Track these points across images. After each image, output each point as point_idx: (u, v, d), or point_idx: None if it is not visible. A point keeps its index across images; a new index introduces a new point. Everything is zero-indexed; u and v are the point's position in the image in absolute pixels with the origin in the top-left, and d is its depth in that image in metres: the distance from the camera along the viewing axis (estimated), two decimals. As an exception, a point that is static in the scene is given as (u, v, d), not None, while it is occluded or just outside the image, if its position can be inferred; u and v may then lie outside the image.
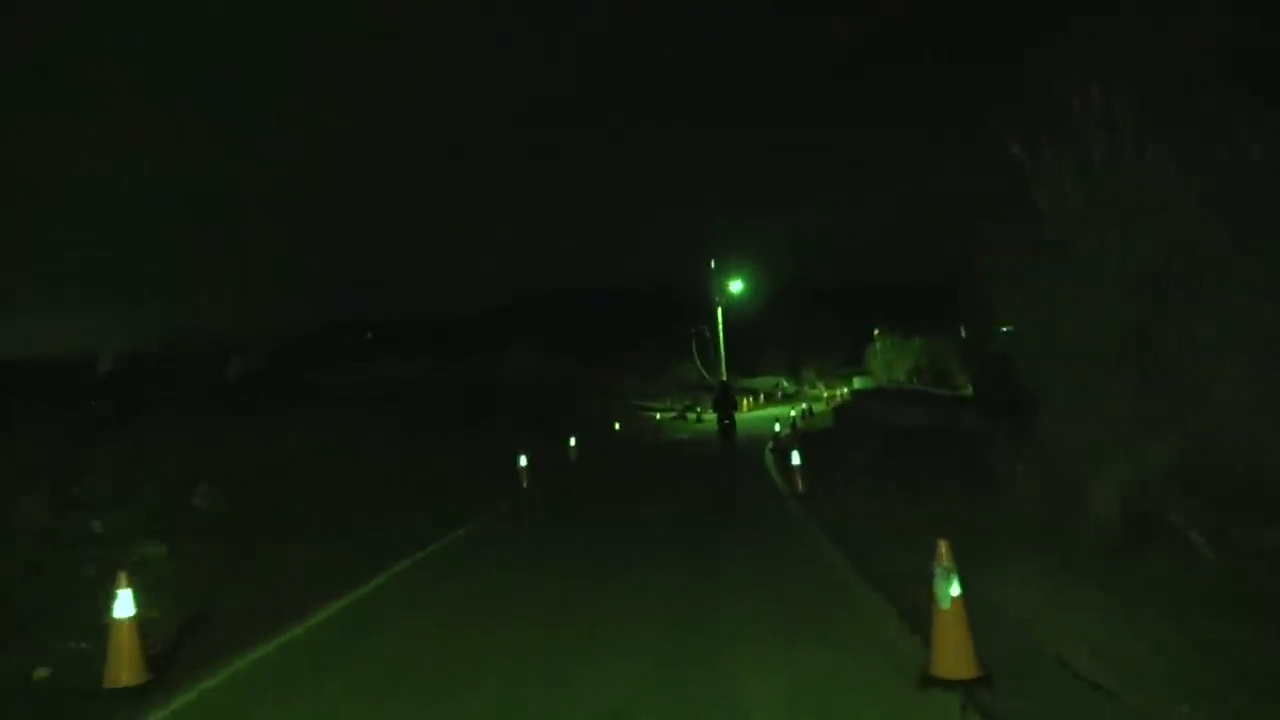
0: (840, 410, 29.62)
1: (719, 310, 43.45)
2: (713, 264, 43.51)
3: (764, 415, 39.32)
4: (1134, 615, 5.27)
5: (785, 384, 68.54)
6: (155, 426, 18.00)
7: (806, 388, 68.23)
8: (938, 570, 4.87)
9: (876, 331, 69.01)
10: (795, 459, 12.59)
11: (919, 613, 5.94)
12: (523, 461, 15.80)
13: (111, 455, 14.00)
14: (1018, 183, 7.43)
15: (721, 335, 42.74)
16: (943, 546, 4.89)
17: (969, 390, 44.74)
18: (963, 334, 57.57)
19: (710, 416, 40.59)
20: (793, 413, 30.14)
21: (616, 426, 31.05)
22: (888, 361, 56.87)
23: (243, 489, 14.02)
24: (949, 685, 4.60)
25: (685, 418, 42.44)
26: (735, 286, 44.36)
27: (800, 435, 22.59)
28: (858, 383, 55.33)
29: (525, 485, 15.48)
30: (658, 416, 41.42)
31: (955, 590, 4.81)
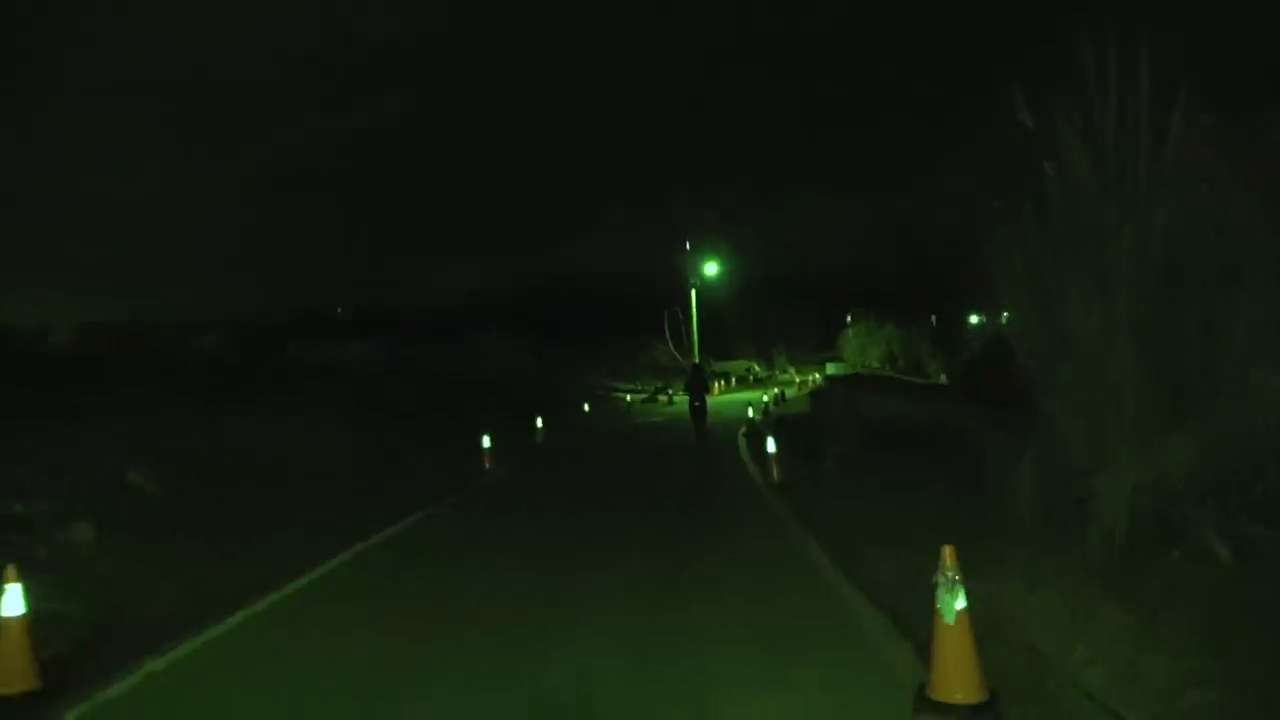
0: (816, 396, 29.19)
1: (693, 292, 42.93)
2: (687, 245, 42.97)
3: (736, 399, 38.88)
4: (1153, 629, 4.77)
5: (757, 368, 68.33)
6: (107, 405, 17.11)
7: (778, 372, 68.09)
8: (941, 580, 4.31)
9: (850, 318, 69.07)
10: (771, 446, 12.02)
11: (914, 623, 5.43)
12: (486, 443, 15.15)
13: (45, 432, 13.20)
14: (1022, 156, 6.86)
15: (695, 317, 42.22)
16: (947, 553, 4.33)
17: (941, 378, 44.84)
18: (934, 322, 57.85)
19: (682, 399, 40.11)
20: (765, 397, 29.68)
21: (586, 408, 30.42)
22: (861, 347, 56.91)
23: (192, 471, 13.24)
24: (950, 709, 4.06)
25: (656, 400, 41.93)
26: (710, 269, 43.91)
27: (774, 421, 22.10)
28: (831, 368, 55.21)
29: (488, 467, 14.85)
30: (628, 398, 40.82)
31: (961, 603, 4.25)
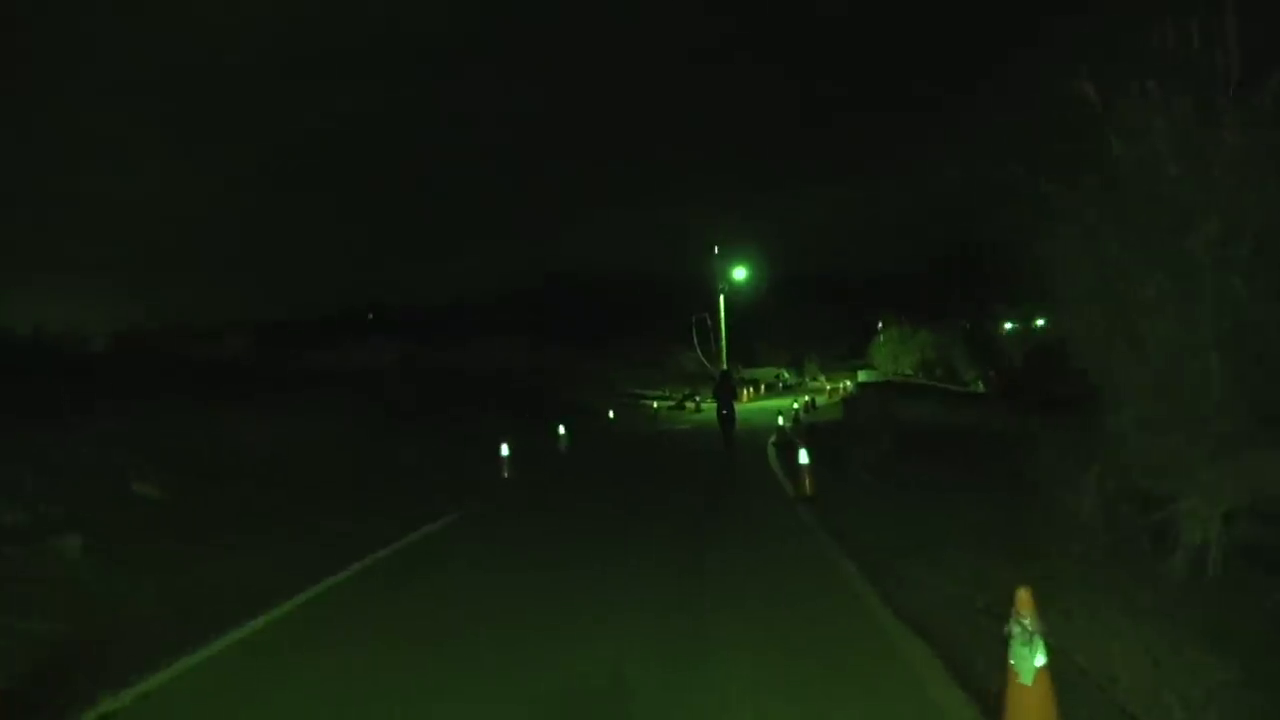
0: (849, 403, 28.31)
1: (721, 298, 42.16)
2: (716, 250, 42.24)
3: (765, 406, 38.06)
4: (1263, 687, 4.03)
5: (786, 375, 67.44)
6: (126, 410, 16.84)
7: (808, 379, 67.10)
8: (1016, 629, 3.61)
9: (881, 324, 67.89)
10: (804, 457, 11.27)
11: (970, 665, 4.72)
12: (505, 451, 14.55)
13: (48, 438, 12.85)
14: (1082, 136, 6.11)
15: (724, 322, 41.45)
16: (1022, 598, 3.62)
17: (979, 385, 43.65)
18: (967, 326, 56.55)
19: (710, 406, 39.36)
20: (795, 405, 28.85)
21: (611, 415, 29.80)
22: (893, 354, 55.70)
23: (203, 476, 12.82)
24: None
25: (684, 407, 41.20)
26: (739, 274, 43.11)
27: (805, 429, 21.31)
28: (863, 375, 54.10)
29: (506, 477, 14.25)
30: (655, 405, 40.14)
31: (1040, 658, 3.55)
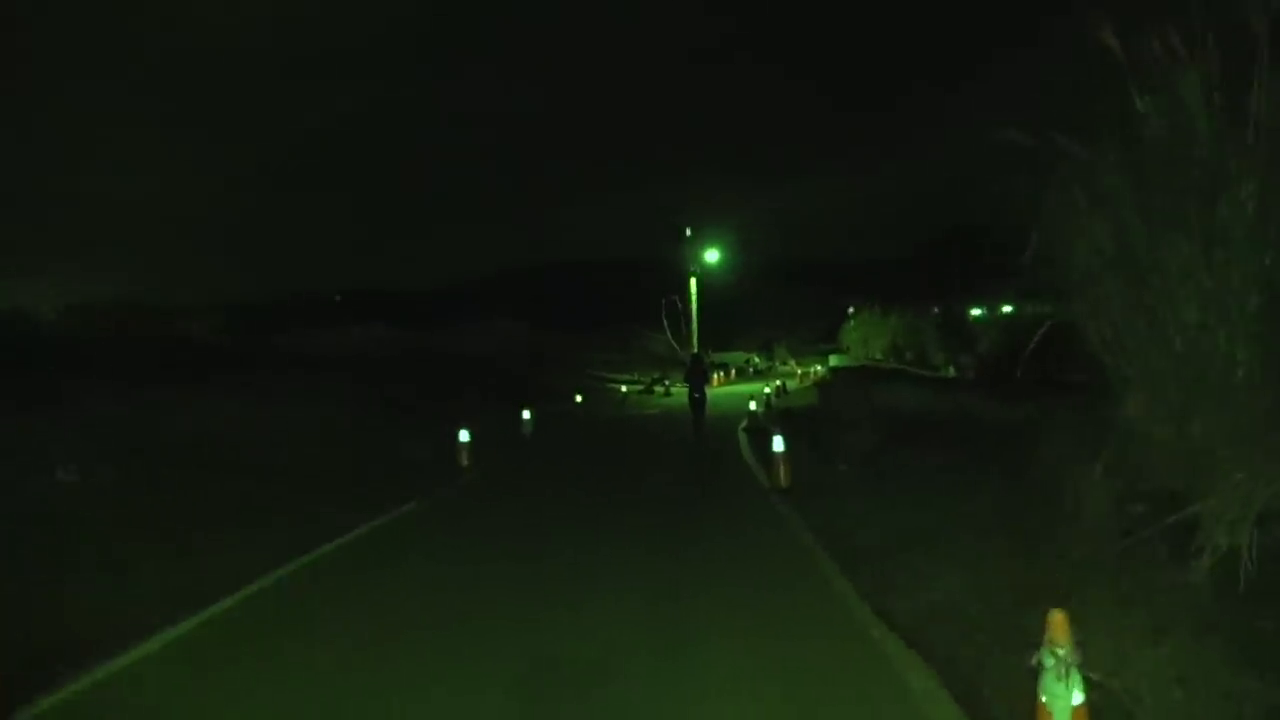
0: (822, 388, 27.83)
1: (692, 280, 41.49)
2: (688, 232, 41.52)
3: (735, 391, 37.56)
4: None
5: (757, 359, 67.11)
6: (81, 391, 15.95)
7: (778, 364, 66.82)
8: (1049, 660, 2.99)
9: (851, 309, 67.75)
10: (778, 444, 10.63)
11: (975, 693, 4.12)
12: (464, 437, 13.78)
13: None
14: (1103, 92, 5.49)
15: (695, 305, 40.80)
16: (1058, 623, 3.00)
17: (950, 370, 43.51)
18: (936, 312, 56.52)
19: (680, 390, 38.77)
20: (767, 389, 28.31)
21: (578, 399, 29.06)
22: (864, 338, 55.46)
23: (143, 464, 11.96)
24: None
25: (653, 391, 40.57)
26: (711, 256, 42.45)
27: (778, 415, 20.74)
28: (834, 360, 53.84)
29: (465, 465, 13.49)
30: (624, 389, 39.46)
31: (1078, 696, 2.94)
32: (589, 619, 5.43)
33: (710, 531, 8.24)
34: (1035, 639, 3.17)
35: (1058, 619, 3.00)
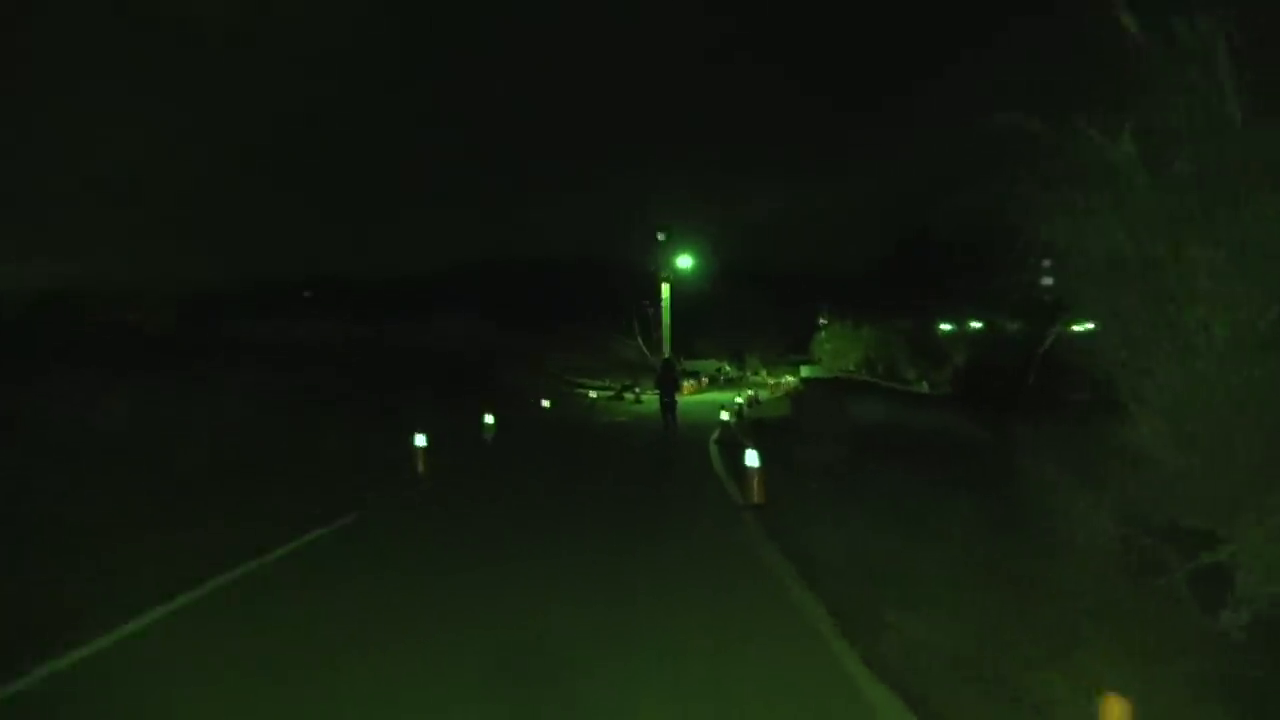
0: (796, 399, 27.32)
1: (665, 285, 40.84)
2: (660, 236, 40.85)
3: (706, 399, 37.01)
4: None
5: (728, 368, 66.72)
6: None
7: (749, 373, 66.46)
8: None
9: (822, 320, 67.53)
10: (752, 459, 10.01)
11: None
12: (420, 441, 12.99)
13: None
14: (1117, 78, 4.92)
15: (667, 311, 40.18)
16: (1116, 713, 2.38)
17: (923, 386, 43.32)
18: (908, 327, 56.44)
19: (650, 398, 38.13)
20: (739, 399, 27.75)
21: (546, 404, 28.29)
22: (836, 350, 55.16)
23: (50, 466, 11.03)
24: None
25: (623, 397, 39.91)
26: (684, 262, 41.72)
27: (750, 426, 20.15)
28: (806, 370, 53.55)
29: (420, 471, 12.72)
30: (593, 395, 38.76)
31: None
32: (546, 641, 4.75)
33: (677, 551, 7.59)
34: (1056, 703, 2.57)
35: (1114, 708, 2.38)
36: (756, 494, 9.82)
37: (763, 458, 10.03)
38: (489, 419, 18.36)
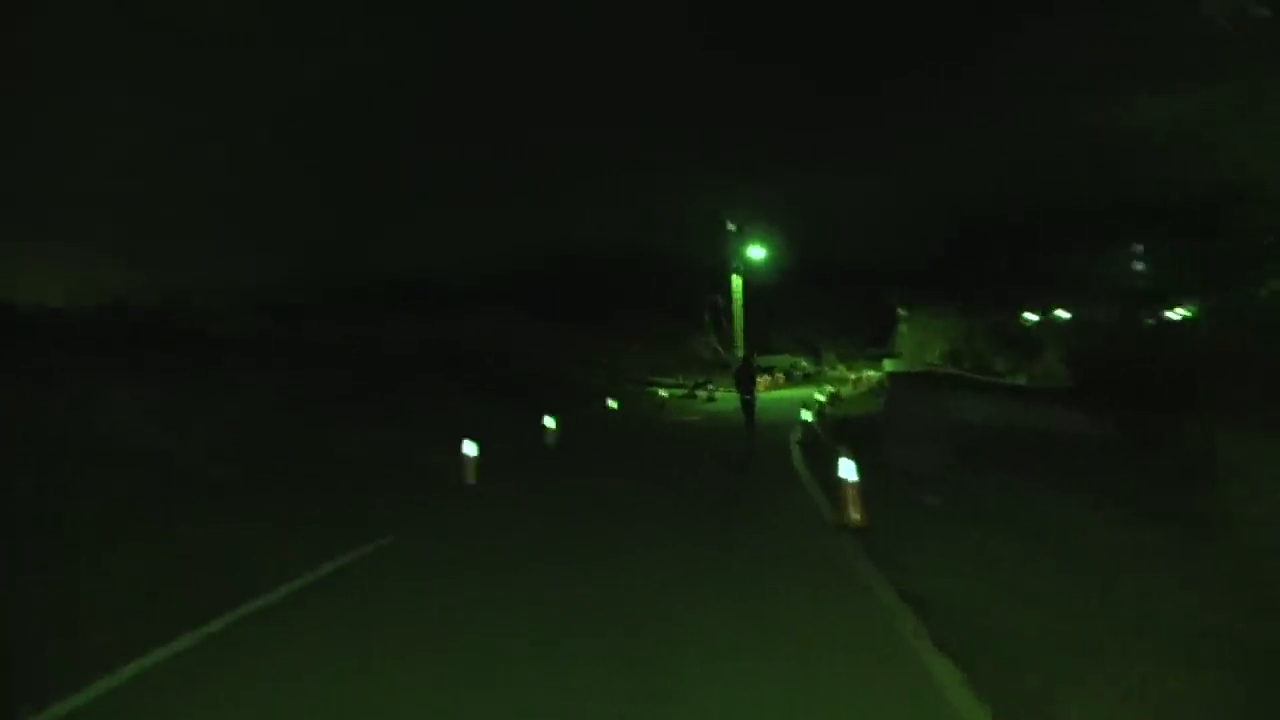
0: (884, 396, 25.31)
1: (737, 278, 39.05)
2: (732, 227, 39.08)
3: (783, 396, 35.22)
4: None
5: (804, 363, 64.51)
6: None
7: (826, 368, 64.13)
8: None
9: (902, 311, 64.81)
10: (848, 471, 8.36)
11: None
12: (470, 451, 11.72)
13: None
14: None
15: (739, 305, 38.42)
16: None
17: (1019, 378, 40.45)
18: (998, 317, 53.40)
19: (723, 396, 36.46)
20: (820, 396, 25.89)
21: (613, 404, 26.91)
22: (918, 342, 52.38)
23: (73, 473, 10.11)
24: None
25: (695, 395, 38.38)
26: (756, 253, 39.84)
27: (835, 426, 18.39)
28: (889, 365, 51.02)
29: (470, 483, 11.44)
30: (663, 393, 37.31)
31: None
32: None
33: (767, 590, 6.02)
34: None
35: None
36: (855, 513, 8.19)
37: (860, 469, 8.40)
38: (550, 423, 17.08)
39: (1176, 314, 34.65)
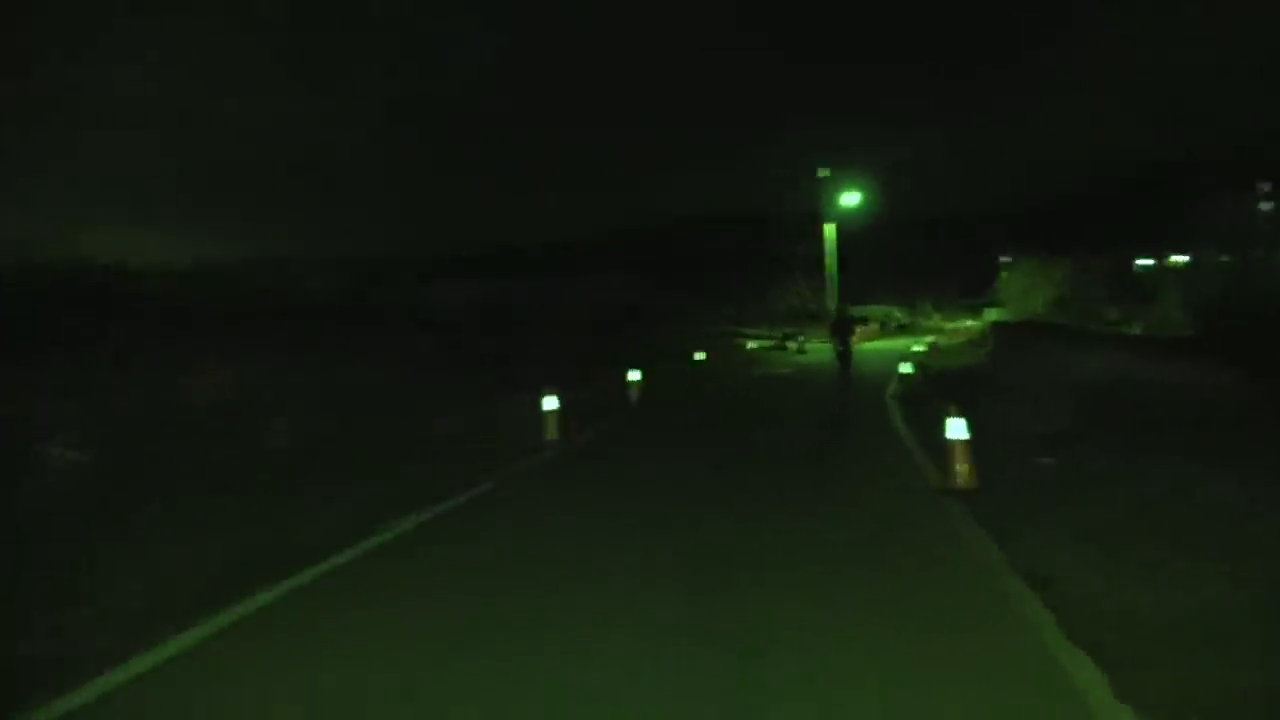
0: (986, 347, 23.99)
1: (830, 227, 37.64)
2: (825, 172, 37.55)
3: (878, 347, 34.01)
4: None
5: (897, 314, 62.54)
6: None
7: (921, 319, 61.97)
8: None
9: (1005, 259, 61.91)
10: (957, 429, 7.60)
11: None
12: (550, 405, 11.38)
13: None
14: None
15: (833, 254, 37.08)
16: None
17: (1134, 328, 37.94)
18: (1108, 263, 50.14)
19: (814, 347, 35.47)
20: (917, 348, 24.72)
21: (700, 356, 26.29)
22: (1022, 290, 49.77)
23: (144, 439, 10.32)
24: None
25: (785, 347, 37.48)
26: (849, 199, 38.22)
27: (934, 379, 17.42)
28: (993, 314, 48.80)
29: (550, 439, 11.12)
30: (751, 345, 36.52)
31: None
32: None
33: (860, 563, 5.42)
34: None
35: None
36: (963, 476, 7.49)
37: (971, 427, 7.66)
38: (634, 375, 16.66)
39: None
